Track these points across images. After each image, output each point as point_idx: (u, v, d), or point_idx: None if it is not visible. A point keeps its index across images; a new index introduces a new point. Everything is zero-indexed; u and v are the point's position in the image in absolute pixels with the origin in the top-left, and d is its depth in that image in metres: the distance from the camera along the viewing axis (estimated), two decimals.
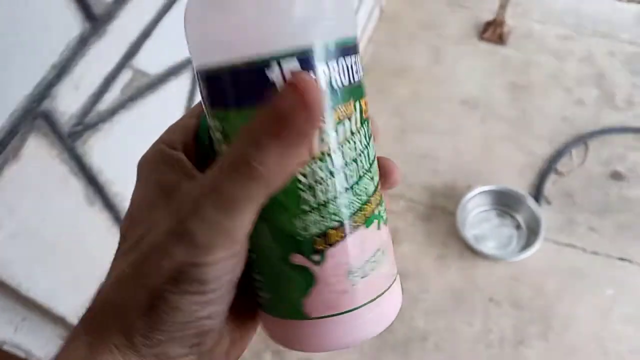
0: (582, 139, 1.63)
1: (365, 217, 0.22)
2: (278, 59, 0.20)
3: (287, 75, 0.20)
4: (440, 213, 1.48)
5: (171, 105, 0.71)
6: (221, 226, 0.19)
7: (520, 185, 1.55)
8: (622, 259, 1.44)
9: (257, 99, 0.20)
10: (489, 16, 1.85)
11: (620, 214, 1.53)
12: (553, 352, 1.25)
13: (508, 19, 1.84)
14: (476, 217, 1.50)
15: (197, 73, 0.23)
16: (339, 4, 0.22)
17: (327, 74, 0.21)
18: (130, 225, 0.23)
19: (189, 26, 0.22)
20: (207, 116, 0.23)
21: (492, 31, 1.81)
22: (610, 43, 1.81)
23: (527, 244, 1.42)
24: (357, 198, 0.22)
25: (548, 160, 1.63)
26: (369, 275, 0.23)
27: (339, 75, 0.21)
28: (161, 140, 0.25)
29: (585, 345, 1.26)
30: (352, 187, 0.22)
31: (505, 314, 1.31)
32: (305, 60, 0.20)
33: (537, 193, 1.56)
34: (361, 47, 1.86)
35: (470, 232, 1.44)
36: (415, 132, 1.69)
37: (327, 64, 0.21)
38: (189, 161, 0.24)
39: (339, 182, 0.21)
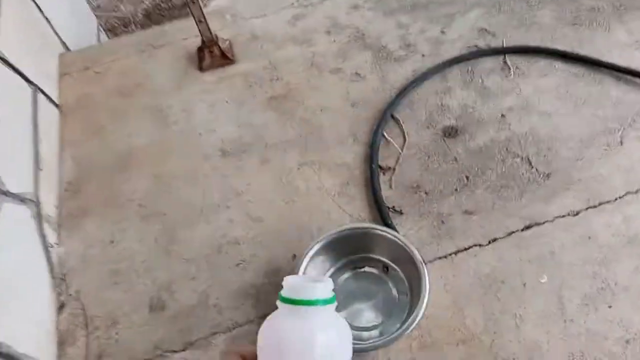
0: (385, 114, 1.19)
1: None
2: None
3: None
4: None
5: None
6: None
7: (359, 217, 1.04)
8: (528, 227, 1.00)
9: None
10: (196, 42, 1.36)
11: (487, 174, 1.10)
12: None
13: (219, 32, 1.36)
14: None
15: None
16: None
17: None
18: None
19: None
20: None
21: (209, 56, 1.31)
22: None
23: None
24: None
25: (366, 162, 1.15)
26: None
27: None
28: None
29: None
30: None
31: None
32: None
33: (383, 217, 1.06)
34: (50, 156, 1.22)
35: None
36: (187, 227, 1.11)
37: None
38: None
39: None
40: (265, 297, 1.02)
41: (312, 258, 0.95)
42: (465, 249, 1.00)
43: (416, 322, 0.84)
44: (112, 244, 1.16)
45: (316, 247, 0.95)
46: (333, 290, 0.45)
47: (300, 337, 0.40)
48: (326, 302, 0.41)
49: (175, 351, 0.99)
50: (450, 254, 1.00)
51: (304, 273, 0.93)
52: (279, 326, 0.41)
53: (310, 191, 1.15)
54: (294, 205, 1.13)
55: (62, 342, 1.02)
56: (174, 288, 1.07)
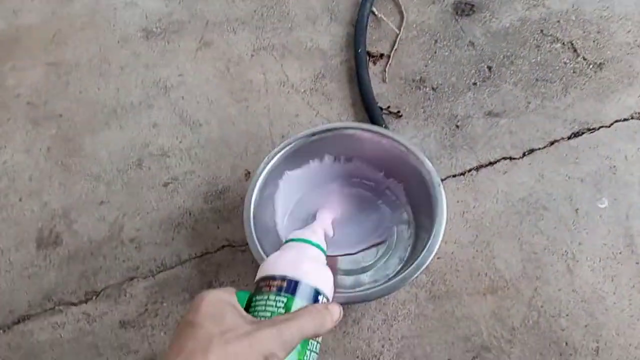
0: None
1: None
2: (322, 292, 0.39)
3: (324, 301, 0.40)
4: None
5: None
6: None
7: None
8: (578, 134, 0.71)
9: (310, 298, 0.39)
10: None
11: (517, 64, 0.79)
12: None
13: None
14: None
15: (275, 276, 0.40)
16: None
17: None
18: (207, 320, 0.35)
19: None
20: (269, 294, 0.39)
21: None
22: None
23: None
24: None
25: (348, 48, 0.83)
26: None
27: None
28: (226, 291, 0.38)
29: None
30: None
31: None
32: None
33: (375, 121, 0.75)
34: None
35: None
36: (92, 134, 0.77)
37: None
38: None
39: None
40: (203, 228, 0.71)
41: (271, 174, 0.63)
42: (491, 164, 0.71)
43: (426, 263, 0.54)
44: None
45: (277, 159, 0.63)
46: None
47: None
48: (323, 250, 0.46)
49: (73, 303, 0.68)
50: (469, 171, 0.70)
51: (258, 195, 0.62)
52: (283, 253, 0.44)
53: (270, 86, 0.82)
54: (246, 105, 0.80)
55: None
56: (74, 216, 0.74)
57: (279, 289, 0.40)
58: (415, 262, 0.55)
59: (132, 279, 0.69)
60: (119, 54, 0.88)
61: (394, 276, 0.56)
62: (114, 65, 0.87)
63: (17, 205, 0.76)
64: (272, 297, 0.39)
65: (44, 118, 0.84)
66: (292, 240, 0.46)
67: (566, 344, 0.58)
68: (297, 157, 0.65)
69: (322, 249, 0.46)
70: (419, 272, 0.54)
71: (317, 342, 0.40)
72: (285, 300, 0.39)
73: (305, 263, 0.43)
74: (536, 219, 0.66)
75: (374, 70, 0.81)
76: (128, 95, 0.83)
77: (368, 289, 0.55)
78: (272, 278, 0.41)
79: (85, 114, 0.83)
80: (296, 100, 0.80)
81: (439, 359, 0.58)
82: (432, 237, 0.56)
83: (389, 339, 0.60)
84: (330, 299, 0.43)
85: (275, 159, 0.63)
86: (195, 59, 0.86)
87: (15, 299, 0.70)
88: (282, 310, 0.38)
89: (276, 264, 0.42)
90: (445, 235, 0.56)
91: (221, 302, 0.36)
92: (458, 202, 0.68)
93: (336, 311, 0.40)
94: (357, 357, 0.59)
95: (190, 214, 0.72)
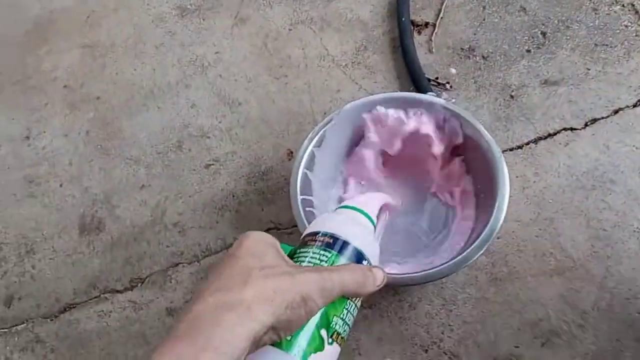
0: None
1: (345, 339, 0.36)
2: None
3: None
4: None
5: None
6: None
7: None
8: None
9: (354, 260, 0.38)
10: None
11: (574, 28, 0.74)
12: None
13: None
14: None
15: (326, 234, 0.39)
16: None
17: None
18: (249, 255, 0.34)
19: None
20: (314, 247, 0.38)
21: None
22: None
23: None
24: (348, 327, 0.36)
25: (391, 17, 0.78)
26: None
27: None
28: (272, 237, 0.36)
29: None
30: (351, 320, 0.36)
31: None
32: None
33: (420, 87, 0.71)
34: None
35: None
36: (130, 116, 0.75)
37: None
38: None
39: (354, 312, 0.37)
40: (247, 211, 0.69)
41: (316, 154, 0.60)
42: (550, 136, 0.66)
43: (488, 244, 0.51)
44: (27, 141, 0.80)
45: (321, 136, 0.60)
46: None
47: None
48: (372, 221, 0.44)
49: (118, 291, 0.67)
50: (527, 143, 0.66)
51: (305, 175, 0.59)
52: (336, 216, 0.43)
53: (309, 61, 0.78)
54: (285, 81, 0.77)
55: None
56: (115, 201, 0.73)
57: (326, 245, 0.38)
58: (478, 240, 0.51)
59: (177, 264, 0.67)
60: (153, 34, 0.85)
61: (455, 257, 0.52)
62: (149, 45, 0.85)
63: (58, 191, 0.76)
64: (316, 250, 0.38)
65: (81, 101, 0.82)
66: (344, 207, 0.44)
67: None
68: (340, 133, 0.62)
69: (372, 221, 0.44)
70: (482, 251, 0.51)
71: (356, 305, 0.38)
72: (329, 255, 0.38)
73: (354, 227, 0.42)
74: (603, 193, 0.61)
75: (419, 40, 0.76)
76: (165, 75, 0.81)
77: (426, 270, 0.52)
78: (320, 234, 0.39)
79: (123, 96, 0.81)
80: (337, 74, 0.76)
81: (505, 346, 0.55)
82: (495, 212, 0.52)
83: (449, 325, 0.57)
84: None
85: (319, 135, 0.60)
86: (231, 36, 0.83)
87: (61, 287, 0.69)
88: (325, 265, 0.37)
89: (325, 223, 0.41)
90: (506, 212, 0.52)
91: (265, 243, 0.35)
92: (517, 177, 0.63)
93: (380, 275, 0.38)
94: (416, 344, 0.56)
95: (233, 196, 0.70)
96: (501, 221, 0.51)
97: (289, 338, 0.33)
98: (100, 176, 0.75)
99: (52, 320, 0.67)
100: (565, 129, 0.66)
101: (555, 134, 0.66)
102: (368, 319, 0.58)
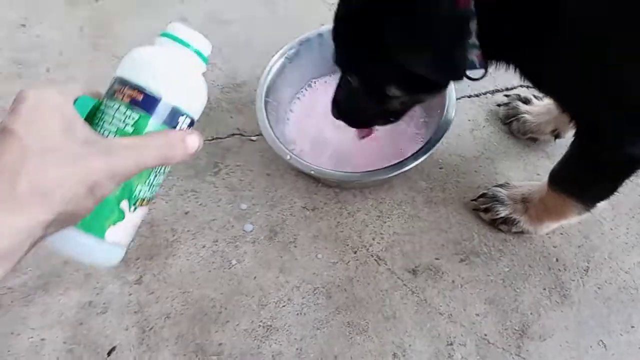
0: None
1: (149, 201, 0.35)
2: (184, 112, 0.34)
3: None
4: None
5: None
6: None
7: None
8: None
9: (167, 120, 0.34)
10: None
11: None
12: None
13: None
14: None
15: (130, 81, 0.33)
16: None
17: None
18: (29, 130, 0.28)
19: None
20: (121, 104, 0.32)
21: None
22: None
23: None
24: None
25: None
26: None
27: None
28: (62, 93, 0.31)
29: None
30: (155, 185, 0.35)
31: None
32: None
33: None
34: None
35: None
36: (124, 20, 0.78)
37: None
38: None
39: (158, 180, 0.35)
40: (217, 116, 0.73)
41: (285, 67, 0.65)
42: (508, 90, 0.70)
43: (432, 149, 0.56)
44: (23, 29, 0.84)
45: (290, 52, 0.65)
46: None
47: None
48: (204, 59, 0.36)
49: None
50: (484, 93, 0.70)
51: (269, 83, 0.64)
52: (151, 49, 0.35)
53: None
54: (276, 6, 0.81)
55: None
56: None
57: (133, 102, 0.32)
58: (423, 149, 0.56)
59: None
60: None
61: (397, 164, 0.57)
62: None
63: (43, 75, 0.79)
64: (122, 109, 0.32)
65: (80, 0, 0.86)
66: (169, 35, 0.35)
67: (557, 260, 0.58)
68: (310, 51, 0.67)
69: (203, 58, 0.36)
70: (426, 155, 0.56)
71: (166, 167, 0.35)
72: (137, 117, 0.32)
73: (173, 74, 0.34)
74: (545, 144, 0.66)
75: None
76: None
77: (365, 172, 0.57)
78: (129, 85, 0.33)
79: (120, 2, 0.85)
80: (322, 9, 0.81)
81: (426, 257, 0.59)
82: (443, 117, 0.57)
83: (381, 234, 0.61)
84: (196, 119, 0.35)
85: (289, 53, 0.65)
86: None
87: None
88: (130, 130, 0.32)
89: (139, 66, 0.34)
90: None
91: (49, 109, 0.29)
92: (469, 120, 0.68)
93: (192, 144, 0.33)
94: (347, 245, 0.60)
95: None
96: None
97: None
98: (86, 68, 0.79)
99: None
100: (522, 86, 0.71)
101: (512, 88, 0.71)
102: (309, 219, 0.62)
